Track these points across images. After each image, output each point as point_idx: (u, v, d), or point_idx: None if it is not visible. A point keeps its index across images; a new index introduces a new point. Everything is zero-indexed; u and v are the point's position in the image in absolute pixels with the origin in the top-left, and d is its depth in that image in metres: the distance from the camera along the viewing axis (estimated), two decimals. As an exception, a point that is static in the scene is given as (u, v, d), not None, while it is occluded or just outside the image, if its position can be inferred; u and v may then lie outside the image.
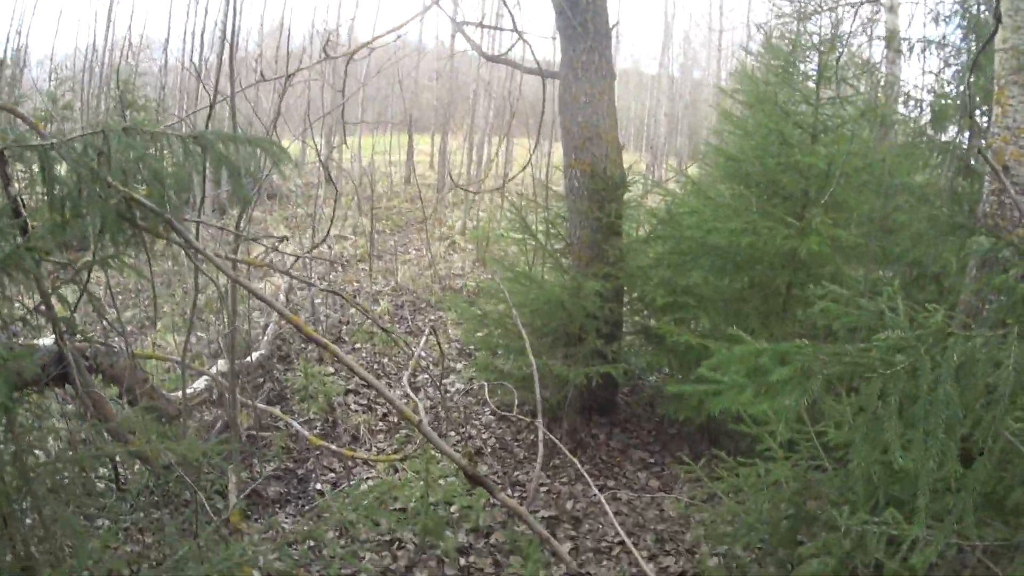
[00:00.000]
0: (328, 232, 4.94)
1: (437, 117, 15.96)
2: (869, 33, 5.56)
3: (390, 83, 14.76)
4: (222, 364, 6.79)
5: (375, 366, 7.90)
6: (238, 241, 5.08)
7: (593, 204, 5.86)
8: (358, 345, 8.31)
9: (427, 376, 7.52)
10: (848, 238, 5.28)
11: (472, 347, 7.37)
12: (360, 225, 11.92)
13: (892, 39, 7.19)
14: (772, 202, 5.92)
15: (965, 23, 5.59)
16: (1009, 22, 3.61)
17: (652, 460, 5.98)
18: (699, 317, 5.54)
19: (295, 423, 5.87)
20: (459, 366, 7.61)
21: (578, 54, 5.87)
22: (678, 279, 5.53)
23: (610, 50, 5.99)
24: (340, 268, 10.18)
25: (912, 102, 6.02)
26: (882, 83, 6.03)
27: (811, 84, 5.65)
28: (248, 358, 7.25)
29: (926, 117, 5.87)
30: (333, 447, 5.55)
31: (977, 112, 5.24)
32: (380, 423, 6.90)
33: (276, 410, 6.33)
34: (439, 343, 5.94)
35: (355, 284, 9.67)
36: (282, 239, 6.45)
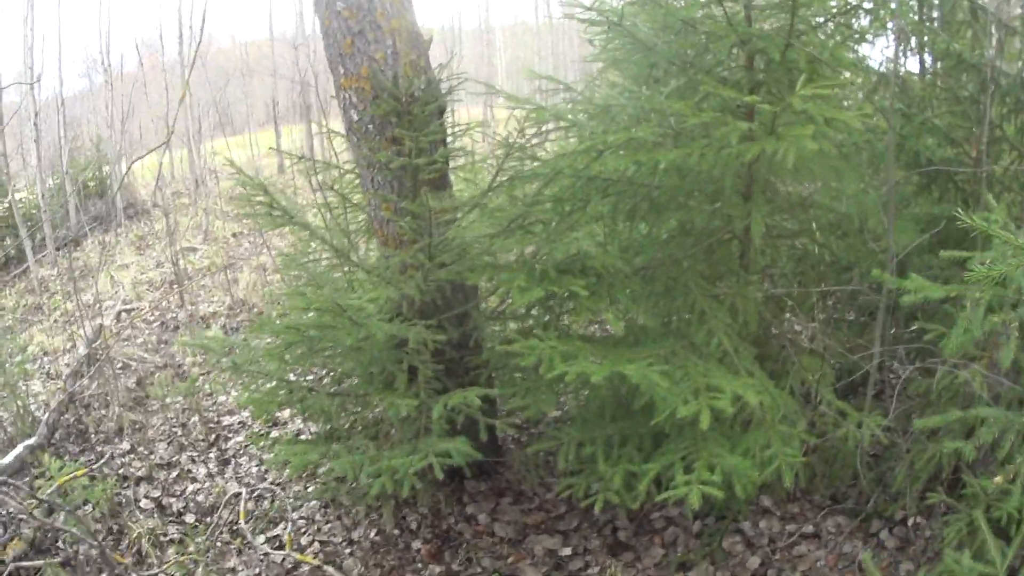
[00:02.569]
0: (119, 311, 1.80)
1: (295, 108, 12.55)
2: None
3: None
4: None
5: (179, 432, 4.84)
6: None
7: (386, 141, 2.80)
8: (169, 400, 5.23)
9: (239, 441, 4.51)
10: (851, 119, 2.32)
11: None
12: (215, 229, 8.68)
13: None
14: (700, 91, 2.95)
15: None
16: None
17: (569, 552, 3.05)
18: (600, 308, 2.54)
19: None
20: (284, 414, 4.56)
21: None
22: (554, 249, 2.53)
23: None
24: (179, 286, 7.00)
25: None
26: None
27: None
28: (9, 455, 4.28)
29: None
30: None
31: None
32: (172, 526, 3.90)
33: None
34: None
35: (189, 307, 6.50)
36: None
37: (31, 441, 4.41)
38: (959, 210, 3.01)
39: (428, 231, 2.35)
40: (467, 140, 3.16)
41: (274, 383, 2.96)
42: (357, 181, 3.19)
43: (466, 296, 2.98)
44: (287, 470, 3.93)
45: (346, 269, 2.90)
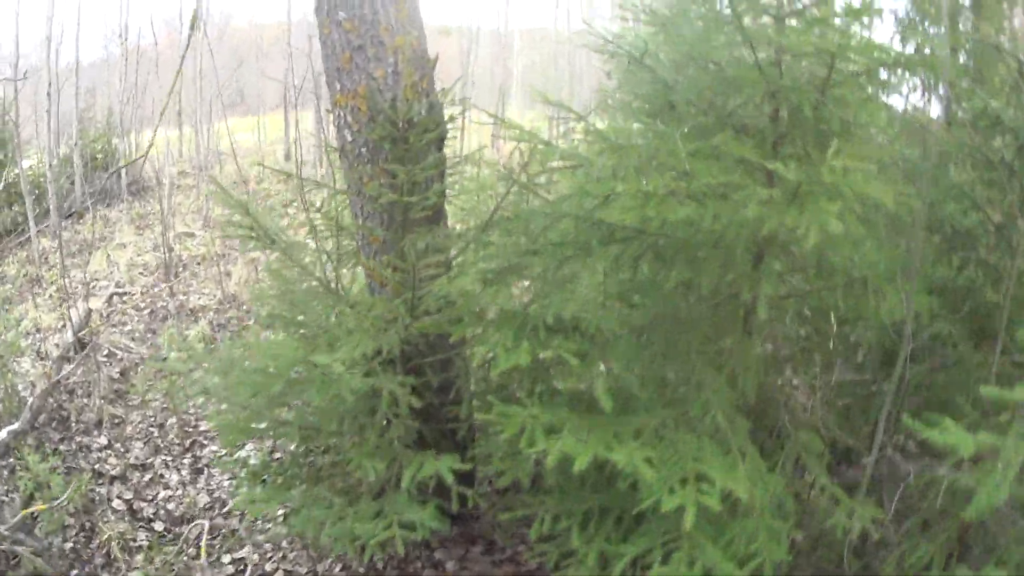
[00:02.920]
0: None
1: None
2: None
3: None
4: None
5: (155, 432, 4.68)
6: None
7: (379, 169, 2.58)
8: (150, 396, 5.05)
9: (213, 449, 4.33)
10: (885, 196, 2.08)
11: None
12: (216, 215, 8.43)
13: None
14: (717, 141, 2.73)
15: None
16: None
17: (538, 613, 2.84)
18: (591, 377, 2.32)
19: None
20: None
21: None
22: (547, 308, 2.30)
23: None
24: (174, 275, 6.80)
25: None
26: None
27: None
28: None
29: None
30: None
31: None
32: (141, 532, 3.77)
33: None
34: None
35: (180, 297, 6.30)
36: None
37: (15, 427, 4.32)
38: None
39: (411, 283, 2.12)
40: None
41: (246, 412, 2.75)
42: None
43: (452, 342, 2.76)
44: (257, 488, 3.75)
45: (329, 303, 2.68)
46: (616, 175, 2.50)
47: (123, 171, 9.35)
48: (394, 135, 2.50)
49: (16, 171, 8.22)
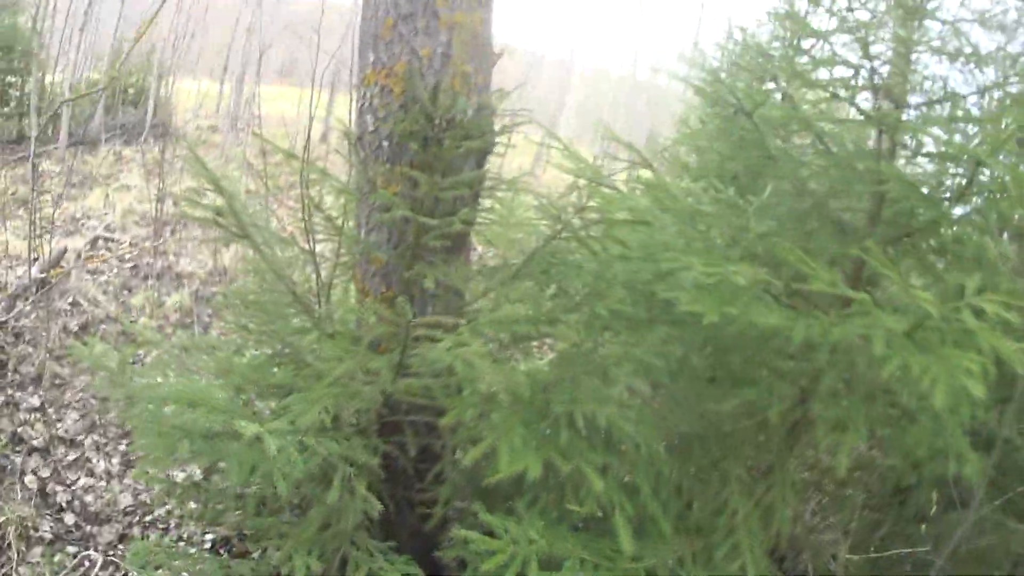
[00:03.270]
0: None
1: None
2: None
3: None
4: None
5: (95, 405, 4.14)
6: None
7: (397, 172, 2.04)
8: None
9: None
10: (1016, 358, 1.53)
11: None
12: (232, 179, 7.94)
13: None
14: (798, 226, 2.22)
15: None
16: None
17: None
18: (614, 504, 1.75)
19: None
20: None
21: None
22: (577, 401, 1.74)
23: None
24: (170, 232, 6.27)
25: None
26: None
27: None
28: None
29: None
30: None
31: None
32: (47, 522, 3.18)
33: None
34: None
35: (169, 258, 5.76)
36: None
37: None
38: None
39: (402, 340, 1.58)
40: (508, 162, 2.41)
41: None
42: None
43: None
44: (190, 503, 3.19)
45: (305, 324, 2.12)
46: (690, 246, 1.97)
47: (150, 111, 8.88)
48: (426, 133, 1.96)
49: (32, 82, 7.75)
